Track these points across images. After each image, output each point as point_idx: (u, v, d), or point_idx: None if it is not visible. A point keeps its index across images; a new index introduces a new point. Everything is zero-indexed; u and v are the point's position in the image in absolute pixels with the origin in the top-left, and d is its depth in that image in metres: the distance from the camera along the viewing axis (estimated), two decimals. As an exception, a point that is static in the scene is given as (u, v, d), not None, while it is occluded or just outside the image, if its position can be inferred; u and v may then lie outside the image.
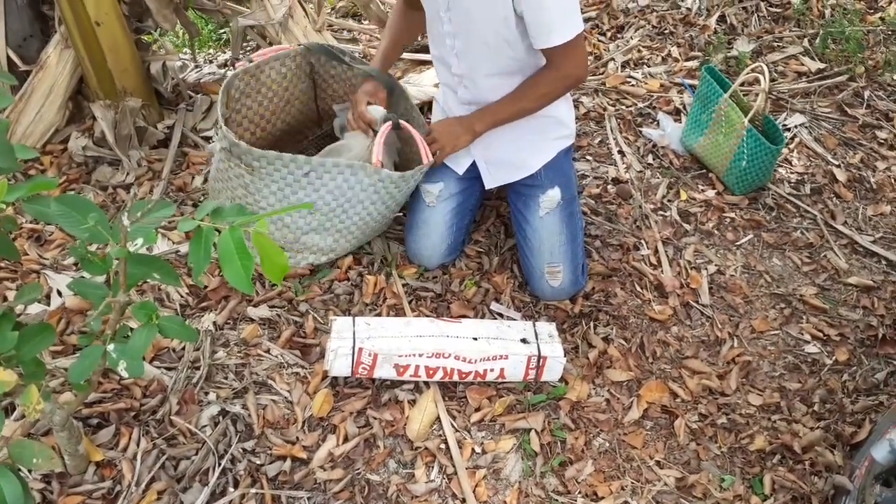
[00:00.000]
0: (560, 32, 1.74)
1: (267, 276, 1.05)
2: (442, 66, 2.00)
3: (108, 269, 1.20)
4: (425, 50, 2.97)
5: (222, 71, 2.85)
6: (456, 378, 1.80)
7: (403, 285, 2.06)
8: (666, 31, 3.29)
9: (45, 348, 1.28)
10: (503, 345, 1.81)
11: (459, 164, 2.06)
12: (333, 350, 1.73)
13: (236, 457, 1.65)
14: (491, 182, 2.09)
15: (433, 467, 1.69)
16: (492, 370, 1.80)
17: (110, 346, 1.19)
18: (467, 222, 2.15)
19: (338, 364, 1.75)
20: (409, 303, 2.02)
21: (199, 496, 1.56)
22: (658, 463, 1.76)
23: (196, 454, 1.64)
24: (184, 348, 1.84)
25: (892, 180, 2.67)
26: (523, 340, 1.83)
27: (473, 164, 2.07)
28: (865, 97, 2.98)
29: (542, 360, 1.81)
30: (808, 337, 2.10)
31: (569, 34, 1.75)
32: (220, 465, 1.62)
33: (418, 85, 2.69)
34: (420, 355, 1.75)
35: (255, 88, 2.07)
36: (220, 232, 1.07)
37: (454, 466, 1.68)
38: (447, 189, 2.05)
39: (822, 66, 3.09)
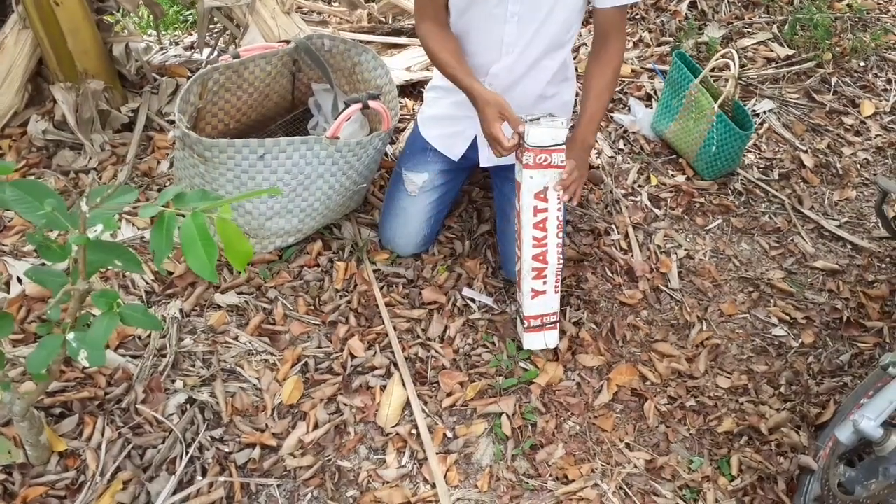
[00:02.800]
0: None
1: (231, 263, 1.03)
2: (483, 60, 1.83)
3: (68, 256, 1.16)
4: (396, 33, 2.94)
5: (188, 53, 2.79)
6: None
7: (375, 271, 2.05)
8: (637, 17, 3.29)
9: (4, 337, 1.25)
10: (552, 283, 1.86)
11: (454, 151, 2.00)
12: None
13: (204, 445, 1.63)
14: (487, 161, 2.00)
15: (404, 453, 1.69)
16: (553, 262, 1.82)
17: (70, 336, 1.16)
18: (445, 214, 2.14)
19: None
20: (381, 289, 2.00)
21: (166, 485, 1.54)
22: (628, 445, 1.78)
23: (163, 443, 1.61)
24: (149, 336, 1.81)
25: (858, 166, 2.71)
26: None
27: (464, 154, 2.02)
28: (832, 83, 3.01)
29: (557, 321, 1.89)
30: (775, 320, 2.13)
31: None
32: (187, 453, 1.60)
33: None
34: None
35: (237, 84, 2.01)
36: (183, 217, 1.04)
37: (425, 452, 1.68)
38: (431, 181, 2.02)
39: (790, 52, 3.12)
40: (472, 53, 1.83)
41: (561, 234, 1.80)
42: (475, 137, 1.96)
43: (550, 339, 1.89)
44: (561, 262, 1.83)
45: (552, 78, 1.88)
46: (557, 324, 1.89)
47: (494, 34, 1.76)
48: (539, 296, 1.84)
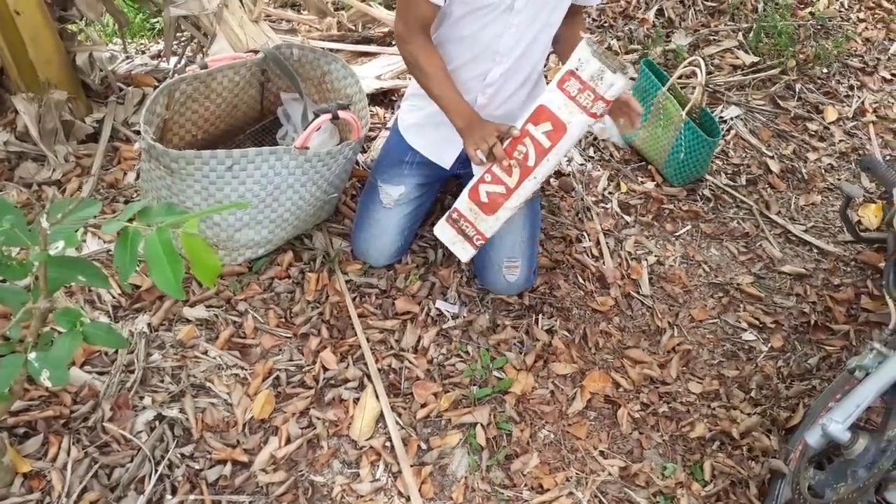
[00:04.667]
0: None
1: (198, 279, 1.01)
2: (473, 69, 1.81)
3: (28, 273, 1.13)
4: (366, 41, 2.93)
5: (155, 62, 2.75)
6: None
7: (347, 282, 2.03)
8: (606, 24, 3.32)
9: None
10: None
11: (445, 158, 1.98)
12: None
13: (174, 462, 1.60)
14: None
15: (378, 466, 1.67)
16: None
17: (32, 355, 1.12)
18: (419, 225, 2.13)
19: None
20: (353, 300, 1.99)
21: (135, 505, 1.51)
22: (602, 453, 1.78)
23: (131, 461, 1.58)
24: (116, 352, 1.77)
25: (823, 171, 2.76)
26: None
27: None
28: (797, 90, 3.07)
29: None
30: (744, 325, 2.15)
31: None
32: (156, 471, 1.57)
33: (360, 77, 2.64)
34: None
35: (205, 94, 1.97)
36: (150, 230, 1.02)
37: (399, 464, 1.67)
38: (407, 194, 2.00)
39: (755, 59, 3.17)
40: (464, 62, 1.80)
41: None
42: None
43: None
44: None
45: (534, 84, 1.92)
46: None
47: (490, 43, 1.75)
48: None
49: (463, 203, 1.81)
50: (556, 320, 2.05)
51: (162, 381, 1.74)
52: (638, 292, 2.18)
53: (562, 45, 1.88)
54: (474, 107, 1.83)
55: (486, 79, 1.81)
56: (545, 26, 1.75)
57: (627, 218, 2.42)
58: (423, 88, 1.79)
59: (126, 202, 2.15)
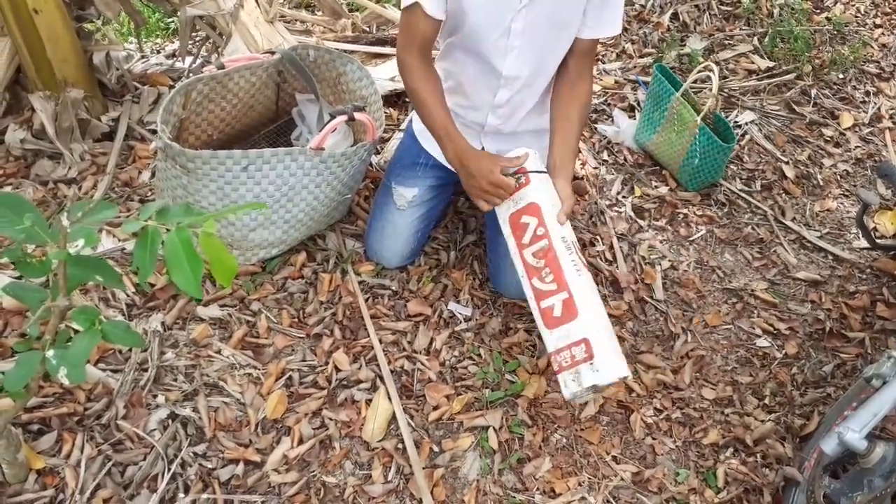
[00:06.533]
0: (616, 25, 1.72)
1: (216, 278, 1.01)
2: (482, 84, 1.80)
3: (47, 271, 1.14)
4: (380, 43, 2.93)
5: (170, 62, 2.76)
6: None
7: (360, 283, 2.03)
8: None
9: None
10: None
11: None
12: None
13: (187, 461, 1.60)
14: None
15: (391, 468, 1.67)
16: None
17: (49, 353, 1.13)
18: (433, 227, 2.12)
19: None
20: (366, 300, 1.99)
21: (148, 503, 1.51)
22: (614, 458, 1.77)
23: (144, 459, 1.58)
24: (130, 350, 1.77)
25: (838, 177, 2.74)
26: None
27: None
28: (812, 95, 3.05)
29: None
30: (759, 331, 2.14)
31: (619, 28, 1.74)
32: (169, 470, 1.57)
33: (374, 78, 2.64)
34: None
35: (221, 94, 1.98)
36: (168, 231, 1.02)
37: (411, 466, 1.66)
38: (420, 196, 2.00)
39: (771, 64, 3.15)
40: (473, 74, 1.79)
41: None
42: (482, 149, 1.93)
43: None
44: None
45: (545, 109, 1.87)
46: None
47: (494, 66, 1.73)
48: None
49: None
50: (568, 324, 2.04)
51: (175, 380, 1.74)
52: (651, 297, 2.17)
53: (559, 114, 1.78)
54: (486, 127, 1.87)
55: (496, 99, 1.80)
56: (549, 53, 1.72)
57: (641, 222, 2.41)
58: (420, 117, 1.78)
59: (141, 201, 2.16)
